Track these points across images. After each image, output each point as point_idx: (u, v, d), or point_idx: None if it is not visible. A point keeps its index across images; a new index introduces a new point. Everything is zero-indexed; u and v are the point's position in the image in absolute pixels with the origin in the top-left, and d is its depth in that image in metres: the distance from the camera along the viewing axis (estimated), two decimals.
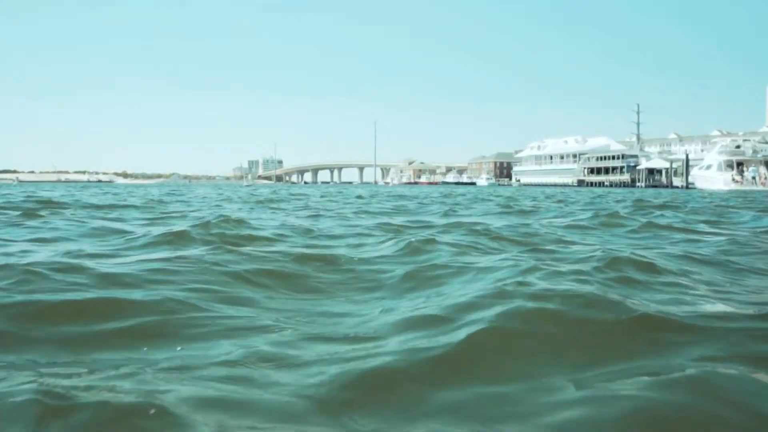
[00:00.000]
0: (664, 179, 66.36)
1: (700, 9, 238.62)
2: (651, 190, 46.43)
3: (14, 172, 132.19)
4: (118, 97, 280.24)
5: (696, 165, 51.23)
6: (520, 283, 2.79)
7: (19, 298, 2.64)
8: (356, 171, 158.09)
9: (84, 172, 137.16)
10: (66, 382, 1.65)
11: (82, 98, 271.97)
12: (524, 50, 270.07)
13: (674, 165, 66.41)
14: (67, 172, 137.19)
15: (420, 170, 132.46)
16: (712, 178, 41.02)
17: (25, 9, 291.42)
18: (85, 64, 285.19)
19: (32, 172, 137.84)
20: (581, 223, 7.90)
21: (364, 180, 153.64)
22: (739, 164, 40.12)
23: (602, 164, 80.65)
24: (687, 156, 59.81)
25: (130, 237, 5.48)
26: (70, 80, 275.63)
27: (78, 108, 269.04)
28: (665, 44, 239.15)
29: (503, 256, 4.13)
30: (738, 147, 41.61)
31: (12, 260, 3.61)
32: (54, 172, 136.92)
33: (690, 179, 51.44)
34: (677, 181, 61.70)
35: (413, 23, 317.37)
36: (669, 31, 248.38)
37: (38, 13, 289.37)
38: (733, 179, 38.82)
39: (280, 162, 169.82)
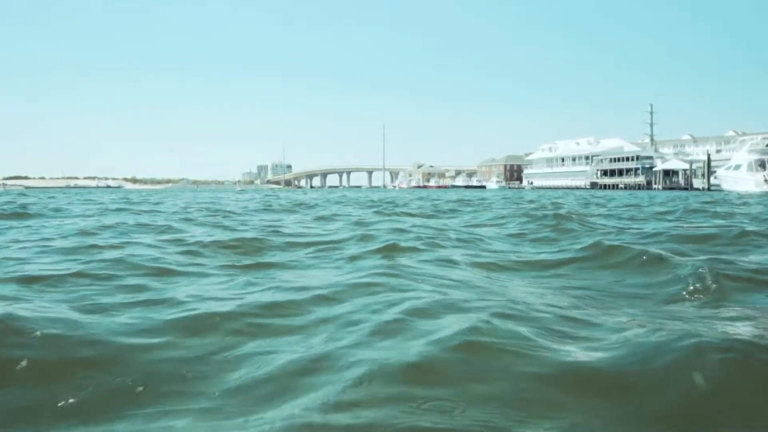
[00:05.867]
0: (681, 181, 65.54)
1: (711, 9, 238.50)
2: (669, 193, 45.83)
3: (25, 178, 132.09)
4: (127, 103, 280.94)
5: (718, 166, 50.42)
6: None
7: None
8: (365, 175, 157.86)
9: (93, 178, 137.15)
10: None
11: (90, 104, 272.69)
12: (533, 51, 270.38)
13: (693, 166, 65.57)
14: (76, 178, 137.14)
15: (429, 174, 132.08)
16: (742, 179, 40.07)
17: (34, 15, 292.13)
18: (93, 70, 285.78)
19: (42, 178, 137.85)
20: None
21: (373, 184, 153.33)
22: None
23: (616, 166, 79.98)
24: (709, 156, 59.09)
25: None
26: (79, 86, 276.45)
27: (87, 114, 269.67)
28: (677, 45, 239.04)
29: None
30: None
31: None
32: (63, 178, 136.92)
33: (714, 180, 50.48)
34: (697, 183, 60.93)
35: (421, 26, 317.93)
36: (681, 32, 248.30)
37: (46, 19, 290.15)
38: (766, 180, 38.00)
39: (289, 166, 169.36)
